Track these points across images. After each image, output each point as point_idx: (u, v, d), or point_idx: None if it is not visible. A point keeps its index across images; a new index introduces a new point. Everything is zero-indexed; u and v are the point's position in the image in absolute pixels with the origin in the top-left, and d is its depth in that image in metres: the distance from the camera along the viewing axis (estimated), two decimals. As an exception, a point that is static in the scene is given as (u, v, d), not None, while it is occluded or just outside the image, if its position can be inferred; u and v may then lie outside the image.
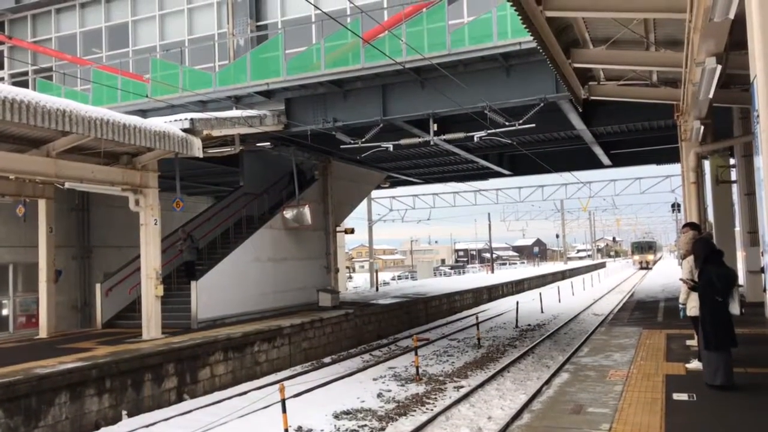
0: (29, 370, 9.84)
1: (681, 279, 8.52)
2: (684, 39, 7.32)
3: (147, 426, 10.31)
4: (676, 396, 7.26)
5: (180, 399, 12.01)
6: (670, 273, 37.97)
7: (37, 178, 12.76)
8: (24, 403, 9.22)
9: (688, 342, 10.49)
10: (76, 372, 10.07)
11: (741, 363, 8.05)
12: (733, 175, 18.82)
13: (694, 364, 8.58)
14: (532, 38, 8.96)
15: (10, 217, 16.24)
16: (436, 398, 11.86)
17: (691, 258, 8.37)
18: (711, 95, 7.50)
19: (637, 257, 74.01)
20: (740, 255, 18.66)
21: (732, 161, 19.07)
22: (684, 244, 8.84)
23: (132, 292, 16.33)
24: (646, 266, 68.74)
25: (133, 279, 16.06)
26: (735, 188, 18.78)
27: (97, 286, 16.42)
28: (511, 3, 7.18)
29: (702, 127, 10.48)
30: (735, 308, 7.46)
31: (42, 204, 15.28)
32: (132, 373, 11.10)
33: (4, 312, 17.38)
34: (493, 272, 58.76)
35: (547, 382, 11.86)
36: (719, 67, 6.43)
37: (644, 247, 74.10)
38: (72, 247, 19.01)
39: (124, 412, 10.76)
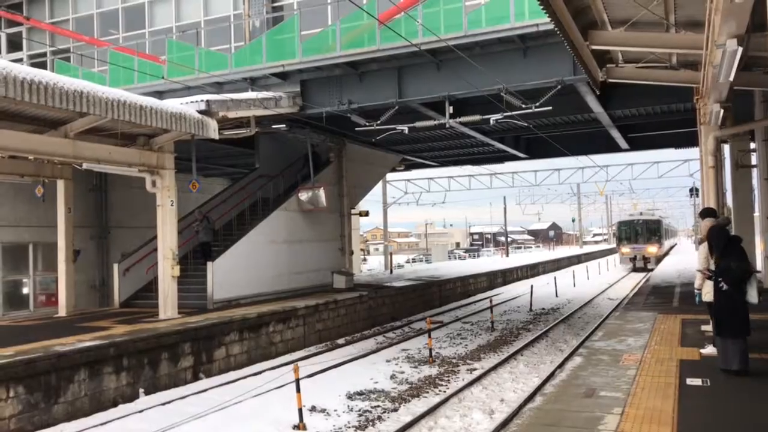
0: (49, 348, 10.02)
1: (698, 270, 8.45)
2: (705, 20, 7.20)
3: (163, 404, 10.46)
4: (690, 381, 7.23)
5: (196, 378, 12.18)
6: (687, 259, 37.56)
7: (55, 158, 12.90)
8: (44, 379, 9.40)
9: (704, 327, 10.42)
10: (94, 350, 10.24)
11: (757, 348, 7.99)
12: (754, 160, 18.53)
13: (709, 350, 8.54)
14: (549, 20, 8.87)
15: (29, 197, 16.45)
16: (449, 380, 11.93)
17: (707, 243, 8.29)
18: (731, 78, 7.40)
19: (627, 248, 41.10)
20: (759, 241, 18.43)
21: (752, 145, 18.78)
22: (704, 230, 8.77)
23: (149, 272, 16.50)
24: (643, 265, 39.62)
25: (150, 259, 16.23)
26: (755, 173, 18.51)
27: (115, 266, 16.62)
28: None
29: (722, 111, 10.36)
30: (753, 296, 7.39)
31: (60, 184, 15.45)
32: (149, 352, 11.26)
33: (25, 290, 17.68)
34: (507, 256, 58.65)
35: (561, 365, 11.86)
36: (740, 49, 6.34)
37: (641, 230, 40.66)
38: (90, 227, 19.23)
39: (141, 390, 10.94)
